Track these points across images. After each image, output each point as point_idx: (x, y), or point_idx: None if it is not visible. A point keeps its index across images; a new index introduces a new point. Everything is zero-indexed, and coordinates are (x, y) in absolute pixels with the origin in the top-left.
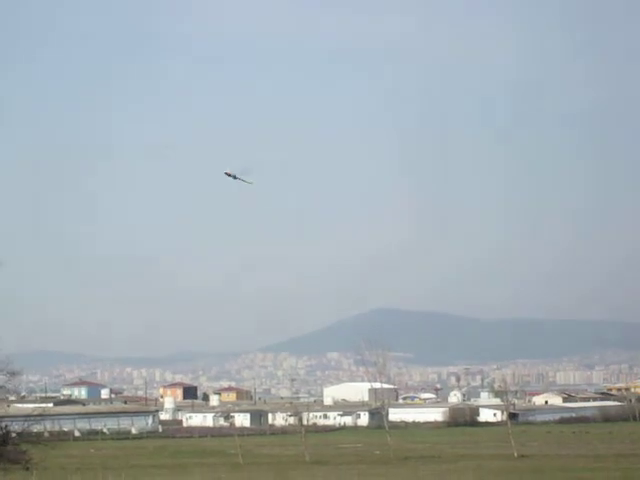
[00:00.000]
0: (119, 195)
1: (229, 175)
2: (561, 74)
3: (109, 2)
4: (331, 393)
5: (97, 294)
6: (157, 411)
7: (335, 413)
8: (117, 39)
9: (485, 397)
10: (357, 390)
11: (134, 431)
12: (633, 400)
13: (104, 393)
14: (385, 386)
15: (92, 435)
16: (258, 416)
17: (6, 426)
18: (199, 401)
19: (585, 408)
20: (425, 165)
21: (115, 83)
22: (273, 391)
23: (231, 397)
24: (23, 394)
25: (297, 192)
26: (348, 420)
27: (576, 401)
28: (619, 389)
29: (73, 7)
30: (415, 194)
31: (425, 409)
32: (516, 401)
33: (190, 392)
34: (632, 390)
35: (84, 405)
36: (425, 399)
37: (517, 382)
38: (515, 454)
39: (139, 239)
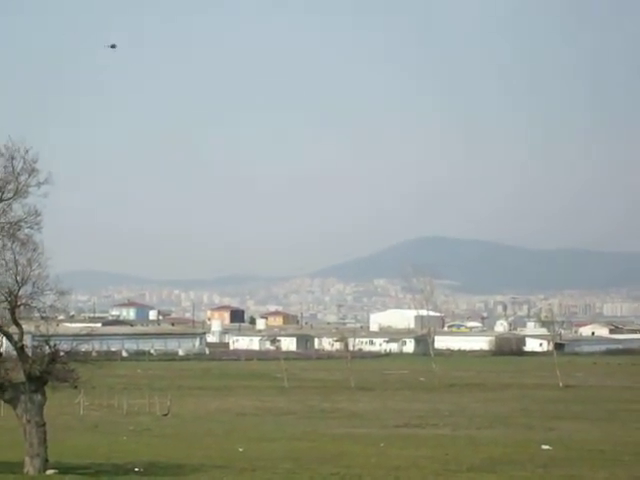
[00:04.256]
0: None
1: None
2: None
3: None
4: (377, 319)
5: (147, 214)
6: (204, 333)
7: (381, 339)
8: None
9: (531, 327)
10: (403, 317)
11: (181, 353)
12: None
13: (152, 314)
14: (431, 313)
15: (139, 356)
16: (304, 341)
17: (55, 345)
18: (246, 324)
19: (632, 340)
20: (474, 93)
21: None
22: (320, 316)
23: (278, 321)
24: (72, 314)
25: (346, 113)
26: (394, 347)
27: (623, 333)
28: None
29: None
30: (464, 122)
31: (471, 337)
32: (562, 331)
33: (237, 315)
34: None
35: (132, 326)
36: (471, 327)
37: (564, 312)
38: (560, 384)
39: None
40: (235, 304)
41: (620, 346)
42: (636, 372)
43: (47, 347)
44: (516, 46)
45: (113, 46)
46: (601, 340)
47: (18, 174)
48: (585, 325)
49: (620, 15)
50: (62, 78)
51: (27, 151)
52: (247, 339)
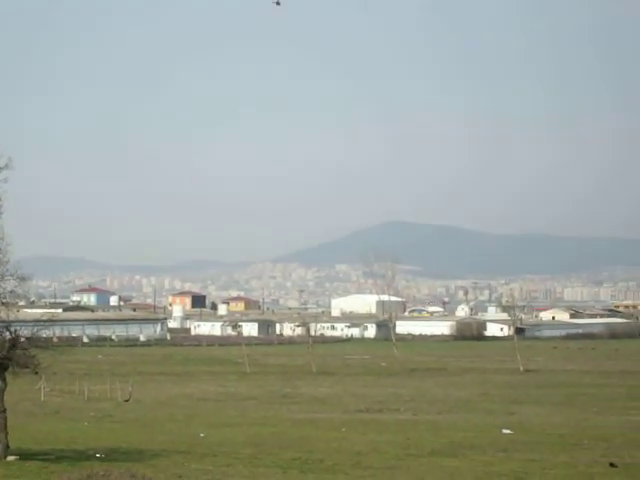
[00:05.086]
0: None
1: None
2: None
3: None
4: (339, 305)
5: (109, 200)
6: (165, 319)
7: (342, 324)
8: None
9: (492, 311)
10: (365, 302)
11: (142, 338)
12: None
13: (113, 300)
14: (393, 298)
15: (100, 341)
16: (266, 326)
17: (15, 331)
18: (207, 310)
19: (592, 325)
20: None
21: None
22: (281, 302)
23: (239, 307)
24: (32, 299)
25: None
26: (355, 332)
27: (583, 317)
28: (626, 306)
29: None
30: (426, 104)
31: (432, 322)
32: (523, 316)
33: (199, 301)
34: (639, 307)
35: (93, 312)
36: (432, 312)
37: (525, 297)
38: (521, 368)
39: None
40: (196, 290)
41: (580, 330)
42: (596, 356)
43: (8, 333)
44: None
45: (278, 3)
46: (561, 325)
47: None
48: (546, 310)
49: None
50: None
51: None
52: (209, 324)
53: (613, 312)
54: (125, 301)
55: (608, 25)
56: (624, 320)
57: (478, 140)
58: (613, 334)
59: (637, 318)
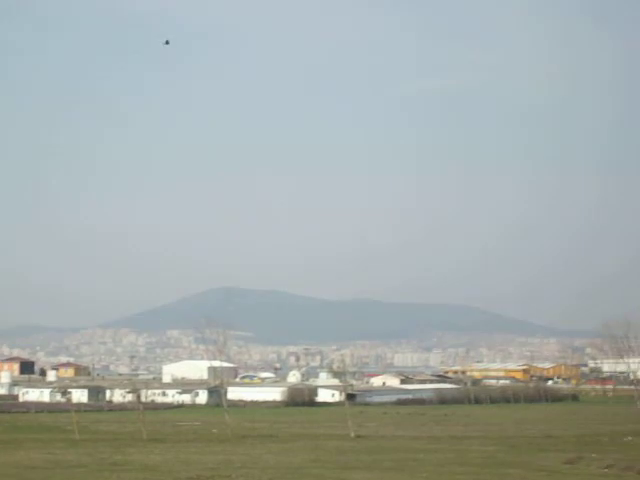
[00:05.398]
0: None
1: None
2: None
3: None
4: (170, 371)
5: None
6: None
7: (174, 391)
8: None
9: (324, 377)
10: (196, 368)
11: None
12: (468, 383)
13: None
14: (224, 364)
15: None
16: (96, 392)
17: None
18: (36, 376)
19: (422, 390)
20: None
21: None
22: (112, 367)
23: (69, 373)
24: None
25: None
26: (186, 398)
27: (413, 383)
28: (455, 372)
29: None
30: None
31: (264, 388)
32: (354, 382)
33: (27, 367)
34: (467, 373)
35: None
36: (264, 378)
37: (356, 363)
38: (352, 434)
39: None
40: (25, 355)
41: (410, 396)
42: (425, 422)
43: None
44: None
45: (167, 42)
46: (392, 390)
47: None
48: (377, 375)
49: None
50: None
51: None
52: (37, 391)
53: (442, 377)
54: None
55: None
56: (453, 385)
57: (302, 210)
58: (442, 399)
59: (465, 384)
